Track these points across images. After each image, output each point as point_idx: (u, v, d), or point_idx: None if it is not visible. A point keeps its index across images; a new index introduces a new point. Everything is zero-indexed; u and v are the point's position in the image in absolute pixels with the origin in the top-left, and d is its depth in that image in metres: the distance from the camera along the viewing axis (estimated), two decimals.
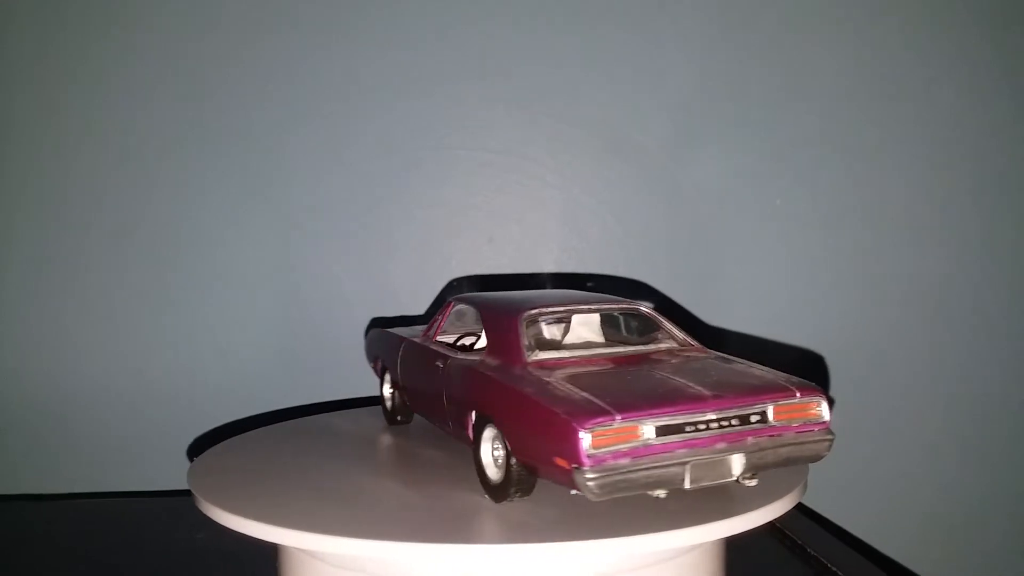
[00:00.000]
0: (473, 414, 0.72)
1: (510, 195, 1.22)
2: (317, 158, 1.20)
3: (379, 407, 0.97)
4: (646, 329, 0.79)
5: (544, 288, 1.20)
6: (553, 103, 1.21)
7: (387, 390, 0.94)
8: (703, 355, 0.75)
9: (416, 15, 1.19)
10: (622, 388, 0.64)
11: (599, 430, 0.58)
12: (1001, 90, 1.26)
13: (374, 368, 0.97)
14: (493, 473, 0.69)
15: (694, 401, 0.61)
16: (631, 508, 0.62)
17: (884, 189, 1.25)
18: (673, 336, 0.77)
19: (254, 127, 1.19)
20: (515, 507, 0.66)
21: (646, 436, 0.59)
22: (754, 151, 1.24)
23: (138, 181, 1.19)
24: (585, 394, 0.62)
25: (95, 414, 1.20)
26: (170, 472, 1.06)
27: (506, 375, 0.69)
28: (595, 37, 1.21)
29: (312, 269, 1.21)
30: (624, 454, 0.59)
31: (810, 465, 0.68)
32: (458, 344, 0.85)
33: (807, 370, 1.19)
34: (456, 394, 0.76)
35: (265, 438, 0.92)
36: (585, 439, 0.57)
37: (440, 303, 1.17)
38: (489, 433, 0.70)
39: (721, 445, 0.61)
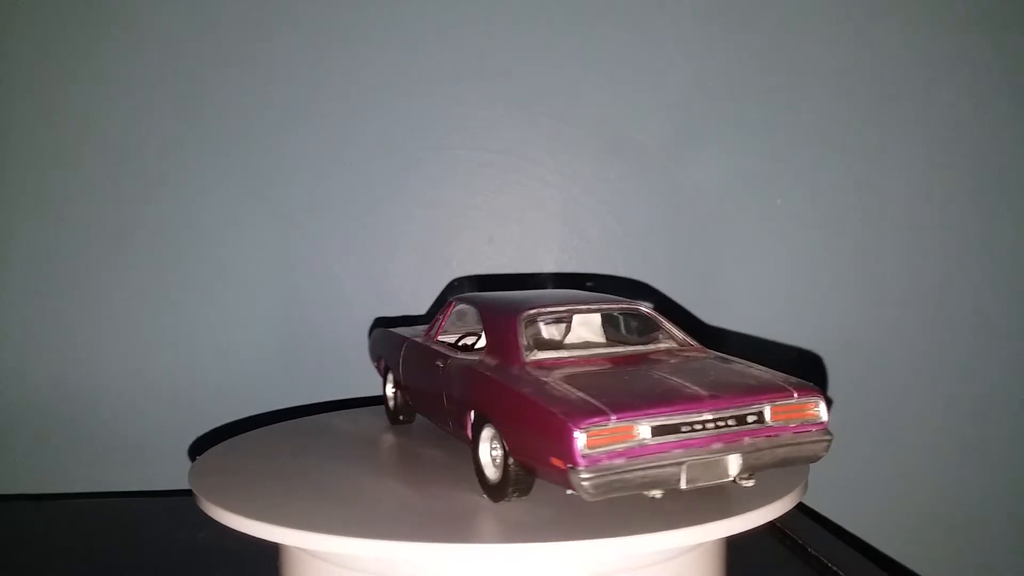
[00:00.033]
0: (472, 413, 0.72)
1: (510, 195, 1.22)
2: (317, 158, 1.20)
3: (381, 407, 0.97)
4: (646, 329, 0.79)
5: (545, 288, 1.20)
6: (553, 103, 1.21)
7: (389, 390, 0.94)
8: (702, 355, 0.75)
9: (416, 15, 1.19)
10: (619, 388, 0.64)
11: (594, 430, 0.58)
12: (1001, 90, 1.26)
13: (377, 368, 0.97)
14: (491, 473, 0.69)
15: (690, 401, 0.61)
16: (630, 508, 0.62)
17: (884, 189, 1.25)
18: (672, 336, 0.77)
19: (254, 127, 1.19)
20: (514, 507, 0.66)
21: (642, 436, 0.59)
22: (754, 151, 1.24)
23: (139, 181, 1.19)
24: (581, 394, 0.62)
25: (96, 414, 1.20)
26: (171, 472, 1.06)
27: (504, 375, 0.69)
28: (595, 37, 1.21)
29: (312, 269, 1.21)
30: (619, 454, 0.58)
31: (810, 465, 0.68)
32: (459, 344, 0.85)
33: (807, 370, 1.20)
34: (455, 394, 0.76)
35: (266, 438, 0.92)
36: (580, 439, 0.57)
37: (441, 303, 1.17)
38: (487, 433, 0.70)
39: (717, 445, 0.61)
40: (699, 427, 0.61)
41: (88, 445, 1.21)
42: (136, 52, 1.18)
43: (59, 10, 1.16)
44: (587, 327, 0.81)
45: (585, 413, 0.59)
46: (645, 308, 0.78)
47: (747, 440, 0.62)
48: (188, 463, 0.82)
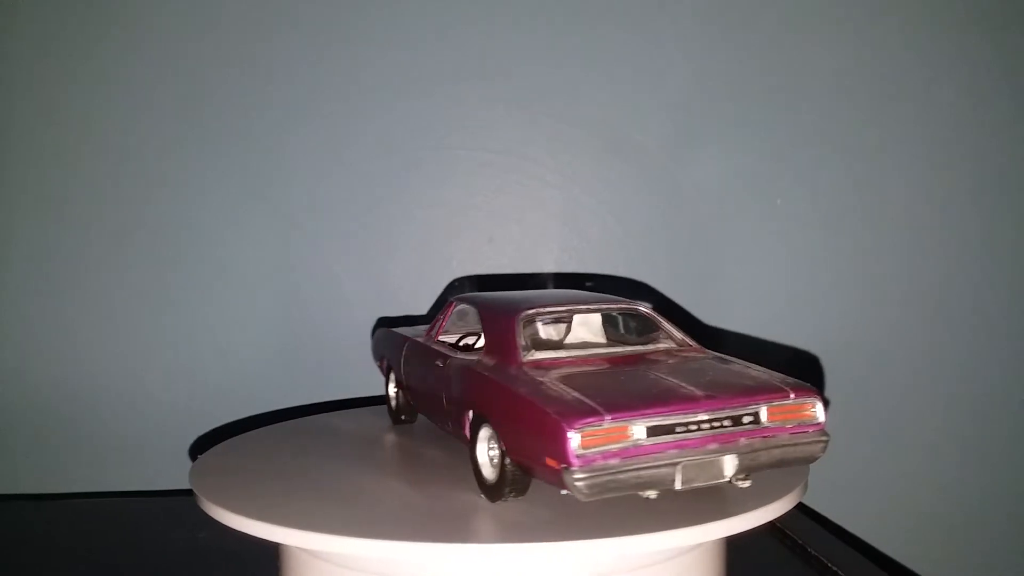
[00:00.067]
0: (470, 413, 0.72)
1: (510, 195, 1.22)
2: (317, 158, 1.20)
3: (381, 407, 0.97)
4: (645, 329, 0.79)
5: (545, 288, 1.20)
6: (553, 103, 1.21)
7: (391, 389, 0.94)
8: (700, 355, 0.75)
9: (416, 15, 1.19)
10: (614, 388, 0.64)
11: (588, 430, 0.58)
12: (1001, 90, 1.25)
13: (380, 367, 0.97)
14: (488, 473, 0.69)
15: (686, 401, 0.61)
16: (629, 508, 0.62)
17: (884, 189, 1.25)
18: (671, 336, 0.77)
19: (254, 127, 1.19)
20: (515, 507, 0.66)
21: (636, 436, 0.59)
22: (754, 151, 1.24)
23: (139, 181, 1.19)
24: (577, 394, 0.62)
25: (96, 414, 1.21)
26: (172, 472, 1.07)
27: (501, 374, 0.69)
28: (595, 37, 1.21)
29: (312, 269, 1.21)
30: (614, 454, 0.59)
31: (810, 465, 0.68)
32: (460, 344, 0.85)
33: (807, 370, 1.20)
34: (454, 393, 0.76)
35: (266, 438, 0.92)
36: (574, 439, 0.57)
37: (442, 303, 1.17)
38: (485, 433, 0.70)
39: (713, 446, 0.61)
40: (694, 428, 0.61)
41: (88, 445, 1.21)
42: (136, 52, 1.18)
43: (59, 10, 1.16)
44: (586, 327, 0.81)
45: (580, 413, 0.59)
46: (644, 308, 0.78)
47: (743, 441, 0.62)
48: (189, 463, 0.82)
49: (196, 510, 0.71)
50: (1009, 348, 1.28)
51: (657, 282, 1.23)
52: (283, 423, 0.98)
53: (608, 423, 0.58)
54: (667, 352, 0.75)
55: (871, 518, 1.24)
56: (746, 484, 0.63)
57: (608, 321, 0.81)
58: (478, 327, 0.82)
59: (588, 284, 1.21)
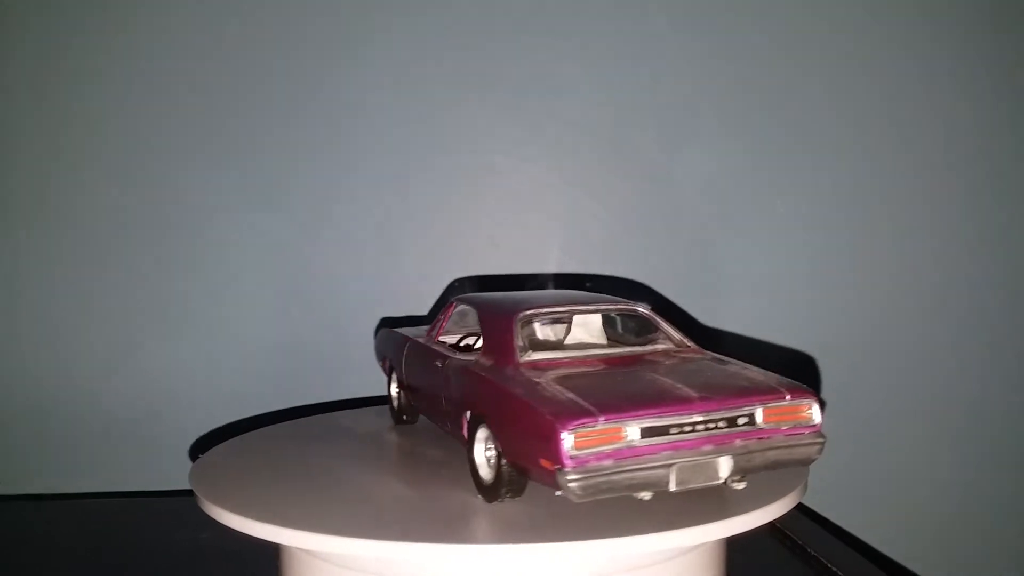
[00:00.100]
0: (468, 414, 0.72)
1: (511, 196, 1.22)
2: (321, 160, 1.20)
3: (382, 407, 0.97)
4: (643, 330, 0.79)
5: (546, 288, 1.20)
6: (554, 104, 1.21)
7: (394, 389, 0.94)
8: (698, 356, 0.74)
9: (417, 17, 1.19)
10: (609, 389, 0.64)
11: (581, 431, 0.58)
12: (1001, 90, 1.25)
13: (382, 367, 0.97)
14: (486, 473, 0.69)
15: (680, 403, 0.61)
16: (629, 509, 0.62)
17: (885, 190, 1.25)
18: (670, 337, 0.77)
19: (258, 130, 1.19)
20: (516, 507, 0.66)
21: (630, 437, 0.59)
22: (755, 152, 1.24)
23: (142, 182, 1.19)
24: (571, 395, 0.61)
25: (98, 414, 1.20)
26: (172, 472, 1.07)
27: (498, 375, 0.69)
28: (595, 37, 1.21)
29: (315, 269, 1.21)
30: (607, 455, 0.58)
31: (810, 466, 0.67)
32: (461, 344, 0.85)
33: (806, 371, 1.20)
34: (453, 394, 0.76)
35: (267, 438, 0.92)
36: (567, 440, 0.57)
37: (443, 304, 1.17)
38: (482, 433, 0.69)
39: (708, 447, 0.61)
40: (689, 429, 0.61)
41: (90, 445, 1.20)
42: (142, 54, 1.18)
43: (66, 12, 1.17)
44: (585, 328, 0.81)
45: (573, 414, 0.58)
46: (643, 309, 0.78)
47: (738, 442, 0.62)
48: (189, 463, 0.82)
49: (197, 511, 0.71)
50: (1010, 348, 1.28)
51: (657, 282, 1.23)
52: (284, 423, 0.98)
53: (602, 424, 0.58)
54: (665, 353, 0.75)
55: (871, 519, 1.23)
56: (741, 486, 0.63)
57: (607, 322, 0.81)
58: (478, 327, 0.82)
59: (587, 284, 1.20)
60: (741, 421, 0.62)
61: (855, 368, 1.26)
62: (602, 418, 0.58)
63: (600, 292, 0.86)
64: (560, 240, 1.23)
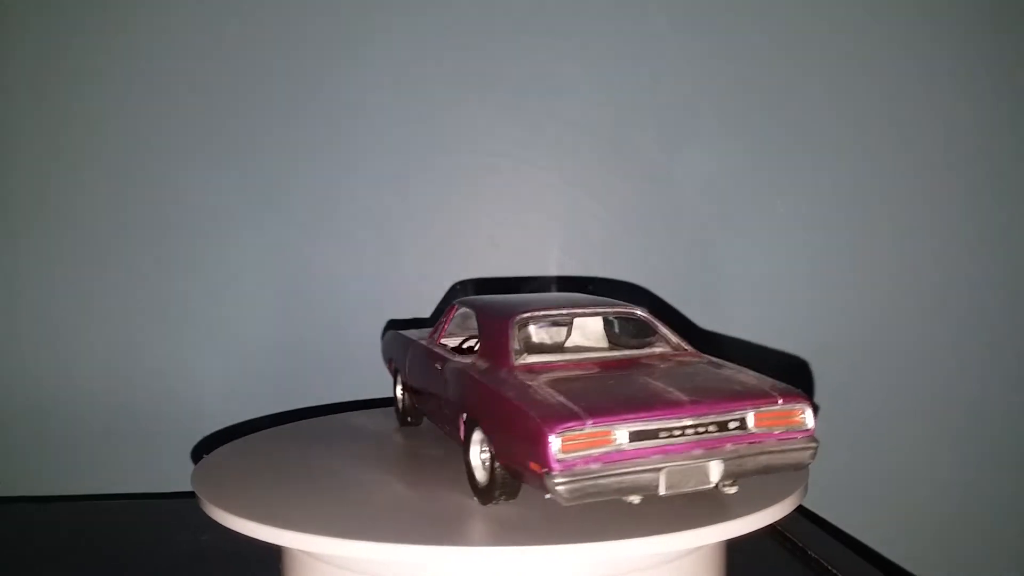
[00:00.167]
0: (464, 416, 0.72)
1: (511, 196, 1.23)
2: (321, 160, 1.20)
3: (383, 409, 0.98)
4: (641, 333, 0.79)
5: (547, 291, 1.20)
6: (554, 105, 1.21)
7: (398, 391, 0.94)
8: (694, 360, 0.74)
9: (417, 17, 1.20)
10: (601, 392, 0.64)
11: (569, 434, 0.58)
12: (1001, 90, 1.25)
13: (388, 369, 0.97)
14: (481, 475, 0.69)
15: (670, 406, 0.61)
16: (629, 511, 0.62)
17: (884, 189, 1.25)
18: (667, 340, 0.76)
19: (260, 131, 1.20)
20: (517, 510, 0.66)
21: (619, 441, 0.59)
22: (755, 153, 1.24)
23: (144, 183, 1.20)
24: (562, 398, 0.61)
25: (99, 415, 1.21)
26: (173, 474, 1.07)
27: (491, 378, 0.70)
28: (596, 38, 1.21)
29: (315, 269, 1.22)
30: (595, 459, 0.58)
31: (810, 468, 0.67)
32: (463, 347, 0.85)
33: (806, 373, 1.19)
34: (450, 396, 0.76)
35: (269, 440, 0.92)
36: (554, 443, 0.57)
37: (444, 305, 1.18)
38: (477, 436, 0.69)
39: (698, 451, 0.61)
40: (678, 433, 0.60)
41: (90, 446, 1.21)
42: (143, 54, 1.18)
43: (67, 12, 1.17)
44: (582, 331, 0.81)
45: (561, 417, 0.58)
46: (640, 312, 0.77)
47: (729, 446, 0.62)
48: (189, 464, 0.82)
49: (197, 512, 0.71)
50: (1010, 348, 1.28)
51: (657, 282, 1.23)
52: (287, 425, 0.98)
53: (590, 427, 0.58)
54: (661, 356, 0.75)
55: (871, 519, 1.23)
56: (733, 490, 0.63)
57: (605, 325, 0.82)
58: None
59: (588, 287, 1.20)
60: (732, 425, 0.62)
61: (855, 368, 1.26)
62: (590, 421, 0.58)
63: (601, 295, 0.86)
64: (560, 240, 1.23)
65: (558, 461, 0.57)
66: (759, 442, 0.63)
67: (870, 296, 1.26)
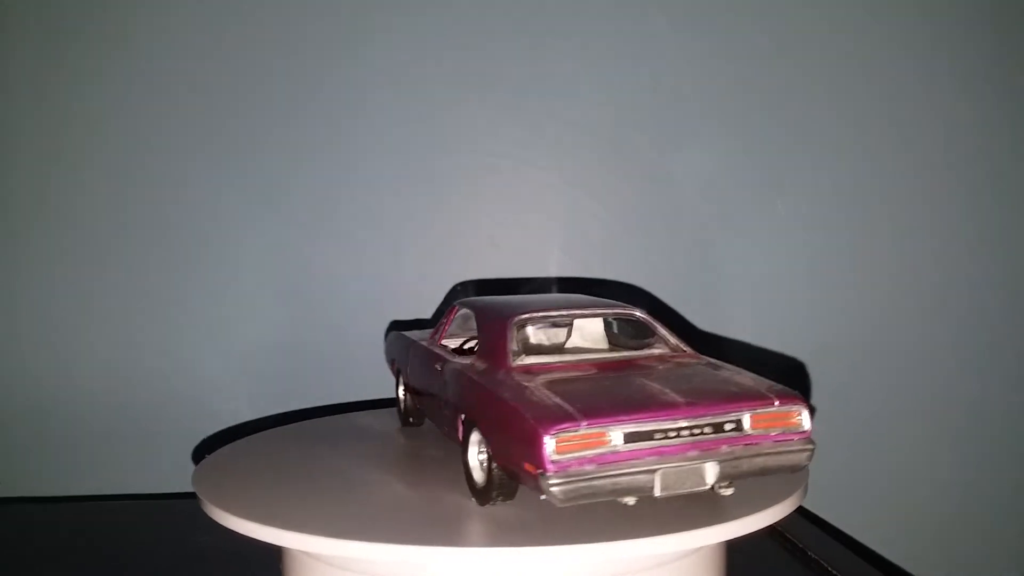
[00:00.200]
0: (462, 417, 0.72)
1: (511, 196, 1.23)
2: (321, 160, 1.20)
3: (384, 409, 0.98)
4: (640, 334, 0.79)
5: (548, 292, 1.20)
6: (554, 105, 1.21)
7: (401, 392, 0.94)
8: (693, 361, 0.74)
9: (417, 17, 1.20)
10: (597, 394, 0.64)
11: (563, 435, 0.58)
12: (1001, 90, 1.25)
13: (391, 369, 0.98)
14: (478, 476, 0.69)
15: (665, 408, 0.61)
16: (628, 512, 0.62)
17: (884, 189, 1.25)
18: (666, 341, 0.76)
19: (260, 131, 1.20)
20: (517, 511, 0.66)
21: (614, 442, 0.59)
22: (755, 153, 1.24)
23: (145, 183, 1.20)
24: (557, 399, 0.61)
25: (100, 416, 1.21)
26: (173, 474, 1.07)
27: (489, 378, 0.70)
28: (595, 37, 1.21)
29: (315, 269, 1.22)
30: (590, 460, 0.58)
31: (810, 468, 0.67)
32: (465, 348, 0.85)
33: (807, 373, 1.19)
34: (449, 397, 0.76)
35: (269, 441, 0.93)
36: (549, 444, 0.57)
37: (445, 306, 1.18)
38: (475, 436, 0.70)
39: (693, 453, 0.61)
40: (673, 434, 0.60)
41: (90, 446, 1.21)
42: (143, 55, 1.18)
43: (68, 13, 1.17)
44: (581, 332, 0.82)
45: (556, 418, 0.58)
46: (639, 313, 0.77)
47: (725, 448, 0.62)
48: (189, 465, 0.82)
49: (196, 513, 0.71)
50: (1010, 348, 1.28)
51: (657, 282, 1.23)
52: (288, 426, 0.98)
53: (584, 429, 0.58)
54: (659, 358, 0.75)
55: (871, 519, 1.23)
56: (729, 492, 0.63)
57: (604, 326, 0.82)
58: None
59: (591, 289, 1.20)
60: (728, 427, 0.62)
61: (855, 368, 1.26)
62: (585, 423, 0.58)
63: (601, 296, 0.86)
64: (560, 240, 1.23)
65: (553, 462, 0.58)
66: (755, 444, 0.63)
67: (870, 296, 1.26)
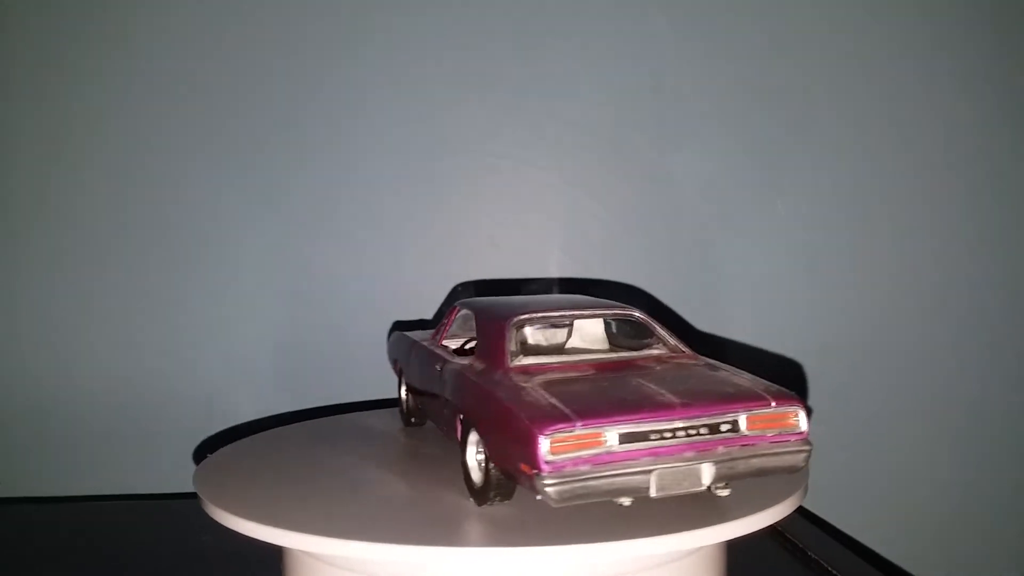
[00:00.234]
0: (461, 417, 0.72)
1: (511, 196, 1.23)
2: (322, 162, 1.20)
3: (385, 409, 0.98)
4: (638, 334, 0.78)
5: (549, 292, 1.20)
6: (554, 105, 1.21)
7: (403, 392, 0.94)
8: (691, 362, 0.74)
9: (417, 17, 1.20)
10: (593, 395, 0.64)
11: (558, 436, 0.58)
12: (1001, 90, 1.25)
13: (394, 370, 0.98)
14: (476, 476, 0.69)
15: (661, 409, 0.61)
16: (628, 512, 0.62)
17: (884, 189, 1.25)
18: (665, 342, 0.76)
19: (260, 131, 1.20)
20: (518, 511, 0.66)
21: (609, 443, 0.59)
22: (756, 153, 1.24)
23: (145, 183, 1.20)
24: (553, 400, 0.61)
25: (101, 417, 1.21)
26: (173, 475, 1.08)
27: (486, 379, 0.70)
28: (595, 37, 1.21)
29: (315, 270, 1.22)
30: (585, 461, 0.58)
31: (811, 469, 0.67)
32: (465, 348, 0.85)
33: (807, 374, 1.19)
34: (448, 397, 0.76)
35: (270, 441, 0.93)
36: (544, 445, 0.57)
37: (446, 307, 1.18)
38: (473, 437, 0.70)
39: (689, 454, 0.61)
40: (669, 435, 0.60)
41: (90, 446, 1.21)
42: (144, 55, 1.18)
43: (69, 14, 1.17)
44: (581, 333, 0.82)
45: (551, 419, 0.59)
46: (638, 314, 0.77)
47: (721, 449, 0.62)
48: (189, 465, 0.83)
49: (197, 513, 0.71)
50: (1010, 348, 1.28)
51: (657, 282, 1.23)
52: (288, 426, 0.98)
53: (579, 429, 0.58)
54: (657, 358, 0.74)
55: (871, 519, 1.23)
56: (725, 492, 0.63)
57: (604, 327, 0.82)
58: None
59: (590, 290, 1.20)
60: (724, 428, 0.62)
61: (855, 368, 1.26)
62: (579, 423, 0.58)
63: (600, 296, 0.86)
64: (560, 240, 1.23)
65: (547, 463, 0.58)
66: (752, 445, 0.63)
67: (870, 296, 1.26)
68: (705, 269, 1.24)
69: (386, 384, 0.98)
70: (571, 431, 0.58)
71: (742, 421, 0.63)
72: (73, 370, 1.21)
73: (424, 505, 0.70)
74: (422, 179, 1.22)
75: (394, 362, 0.97)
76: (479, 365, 0.74)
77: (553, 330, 0.82)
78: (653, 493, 0.59)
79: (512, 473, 0.63)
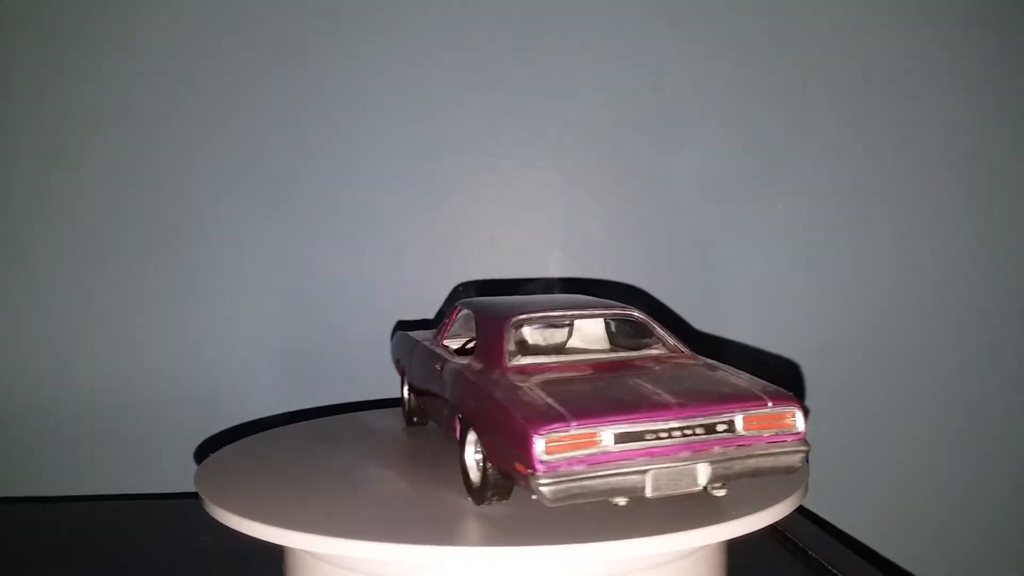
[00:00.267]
0: (459, 416, 0.72)
1: (511, 196, 1.23)
2: (322, 162, 1.20)
3: (387, 409, 0.98)
4: (638, 334, 0.79)
5: (550, 292, 1.20)
6: (554, 106, 1.21)
7: (405, 391, 0.94)
8: (689, 362, 0.74)
9: (417, 17, 1.20)
10: (589, 394, 0.64)
11: (553, 436, 0.58)
12: (1001, 90, 1.25)
13: (397, 369, 0.98)
14: (475, 476, 0.69)
15: (657, 409, 0.61)
16: (627, 512, 0.62)
17: (884, 189, 1.25)
18: (664, 342, 0.76)
19: (258, 129, 1.20)
20: (518, 510, 0.66)
21: (604, 443, 0.59)
22: (756, 153, 1.23)
23: (146, 184, 1.20)
24: (549, 400, 0.62)
25: (102, 416, 1.21)
26: (173, 474, 1.08)
27: (483, 379, 0.70)
28: (595, 37, 1.21)
29: (316, 270, 1.22)
30: (580, 460, 0.58)
31: (810, 468, 0.67)
32: (466, 348, 0.85)
33: (807, 374, 1.19)
34: (447, 396, 0.76)
35: (271, 441, 0.93)
36: (538, 444, 0.58)
37: (447, 306, 1.18)
38: (472, 436, 0.70)
39: (685, 454, 0.61)
40: (665, 435, 0.60)
41: (90, 446, 1.21)
42: (145, 56, 1.18)
43: (70, 15, 1.17)
44: (581, 332, 0.82)
45: (546, 419, 0.59)
46: (638, 314, 0.77)
47: (717, 449, 0.62)
48: (190, 465, 0.83)
49: (197, 513, 0.71)
50: (1010, 348, 1.28)
51: (657, 282, 1.23)
52: (290, 425, 0.98)
53: (574, 429, 0.58)
54: (656, 358, 0.74)
55: (871, 519, 1.23)
56: (722, 493, 0.63)
57: (604, 327, 0.82)
58: None
59: (590, 289, 1.20)
60: (720, 428, 0.62)
61: (855, 368, 1.26)
62: (575, 423, 0.58)
63: (600, 296, 0.86)
64: (560, 240, 1.23)
65: (542, 462, 0.58)
66: (748, 445, 0.63)
67: (870, 296, 1.26)
68: (705, 269, 1.24)
69: (387, 384, 0.98)
70: (566, 431, 0.58)
71: (738, 421, 0.63)
72: (73, 370, 1.21)
73: (424, 505, 0.70)
74: (422, 179, 1.21)
75: (397, 362, 0.97)
76: (478, 365, 0.74)
77: (552, 330, 0.82)
78: (648, 493, 0.60)
79: (509, 473, 0.63)
